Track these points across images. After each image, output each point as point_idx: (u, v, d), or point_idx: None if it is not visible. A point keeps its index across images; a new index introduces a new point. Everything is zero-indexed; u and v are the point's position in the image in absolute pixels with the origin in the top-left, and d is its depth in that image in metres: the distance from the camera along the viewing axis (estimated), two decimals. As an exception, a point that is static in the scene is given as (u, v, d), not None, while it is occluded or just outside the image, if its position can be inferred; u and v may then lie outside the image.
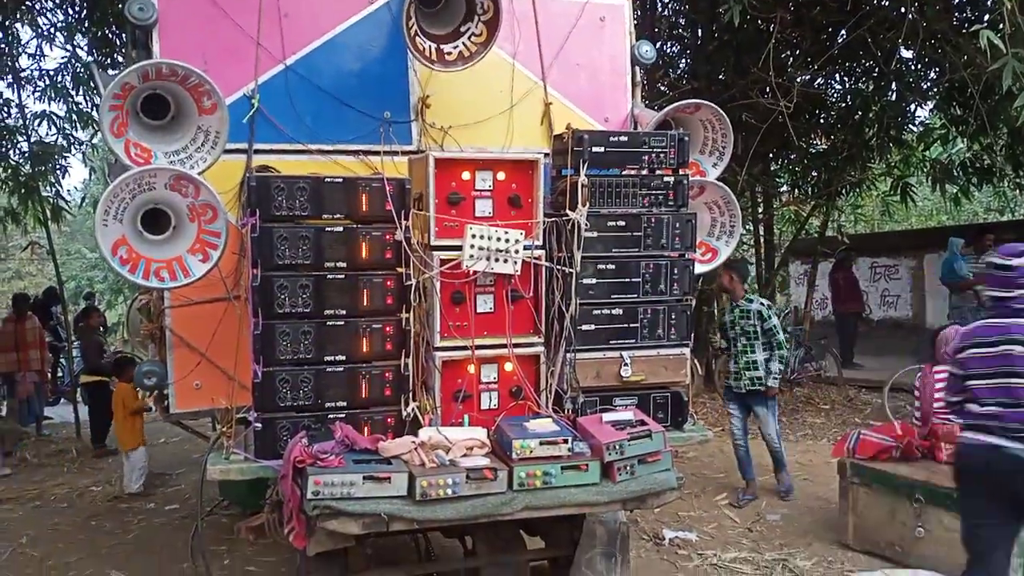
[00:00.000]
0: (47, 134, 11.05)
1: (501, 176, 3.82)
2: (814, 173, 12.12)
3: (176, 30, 4.21)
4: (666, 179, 4.08)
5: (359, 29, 4.55)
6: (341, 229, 3.57)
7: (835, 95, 11.97)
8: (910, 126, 11.53)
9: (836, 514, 5.84)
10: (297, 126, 4.39)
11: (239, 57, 4.29)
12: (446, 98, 4.60)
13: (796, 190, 13.20)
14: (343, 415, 3.55)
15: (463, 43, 4.40)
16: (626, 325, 3.98)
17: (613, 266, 3.96)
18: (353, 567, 3.78)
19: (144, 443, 7.73)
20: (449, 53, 4.37)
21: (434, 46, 4.34)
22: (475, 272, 3.66)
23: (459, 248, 3.65)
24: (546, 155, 4.20)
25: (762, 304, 6.71)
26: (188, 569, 5.32)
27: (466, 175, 3.77)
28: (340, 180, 3.64)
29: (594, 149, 3.93)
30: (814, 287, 13.37)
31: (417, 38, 4.26)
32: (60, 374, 13.17)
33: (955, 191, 11.47)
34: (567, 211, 3.87)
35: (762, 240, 13.16)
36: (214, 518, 6.24)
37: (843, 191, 12.36)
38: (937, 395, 5.49)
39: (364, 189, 3.61)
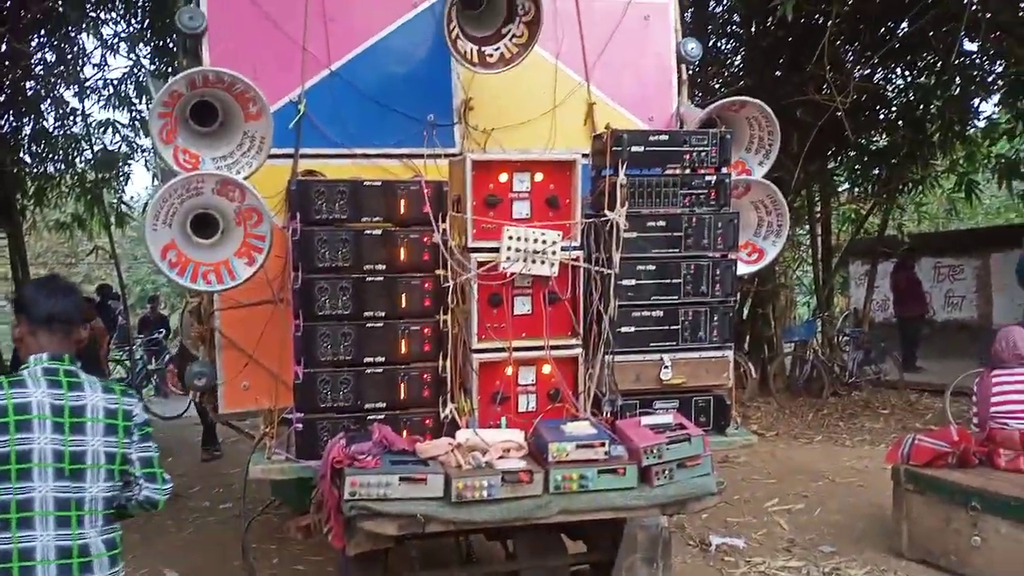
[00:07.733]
0: (111, 142, 11.44)
1: (539, 177, 3.80)
2: (874, 171, 11.82)
3: (225, 38, 4.30)
4: (708, 178, 4.01)
5: (402, 33, 4.59)
6: (380, 232, 3.60)
7: (895, 90, 11.65)
8: (974, 121, 11.15)
9: (890, 522, 5.67)
10: (342, 130, 4.45)
11: (287, 63, 4.37)
12: (489, 100, 4.61)
13: (855, 188, 12.90)
14: (382, 416, 3.58)
15: (504, 45, 4.40)
16: (666, 327, 3.93)
17: (653, 267, 3.91)
18: (394, 568, 3.80)
19: None
20: (490, 55, 4.38)
21: (476, 48, 4.35)
22: (512, 274, 3.66)
23: (497, 250, 3.65)
24: (586, 155, 4.18)
25: None
26: (239, 567, 5.42)
27: (503, 177, 3.75)
28: (379, 184, 3.67)
29: (633, 149, 3.89)
30: (874, 288, 13.06)
31: (459, 41, 4.27)
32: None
33: (1023, 188, 11.05)
34: (606, 211, 3.85)
35: (819, 240, 12.88)
36: (265, 517, 6.33)
37: (905, 189, 12.04)
38: (995, 399, 5.31)
39: (402, 192, 3.64)
